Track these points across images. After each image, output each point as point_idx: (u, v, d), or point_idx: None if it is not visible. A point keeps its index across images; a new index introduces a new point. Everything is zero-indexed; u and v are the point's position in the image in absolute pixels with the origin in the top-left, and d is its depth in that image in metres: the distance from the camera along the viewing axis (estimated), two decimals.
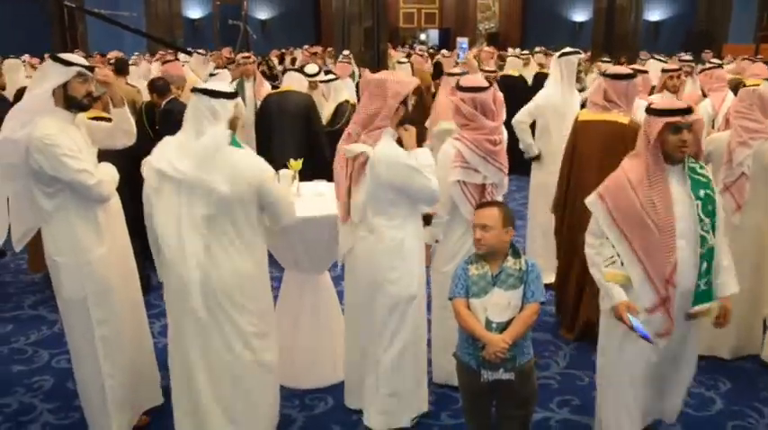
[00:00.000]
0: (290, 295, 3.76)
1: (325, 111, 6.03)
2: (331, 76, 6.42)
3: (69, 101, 3.01)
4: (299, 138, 5.30)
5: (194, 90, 2.79)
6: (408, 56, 12.04)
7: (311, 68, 6.37)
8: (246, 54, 7.90)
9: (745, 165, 3.68)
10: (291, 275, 3.77)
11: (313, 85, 6.08)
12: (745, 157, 3.68)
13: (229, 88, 2.85)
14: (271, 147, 5.34)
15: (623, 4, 13.29)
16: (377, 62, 10.84)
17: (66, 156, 2.88)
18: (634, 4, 13.45)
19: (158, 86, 5.55)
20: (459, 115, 3.46)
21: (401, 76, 3.33)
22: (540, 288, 2.68)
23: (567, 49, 5.23)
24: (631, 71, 4.29)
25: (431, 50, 17.58)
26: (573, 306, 4.43)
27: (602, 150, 4.02)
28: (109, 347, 3.12)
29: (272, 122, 5.44)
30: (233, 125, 2.80)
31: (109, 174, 3.10)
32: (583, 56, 11.40)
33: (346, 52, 9.98)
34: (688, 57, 10.16)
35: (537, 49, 12.32)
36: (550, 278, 4.81)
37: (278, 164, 4.77)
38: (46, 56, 2.99)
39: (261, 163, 2.87)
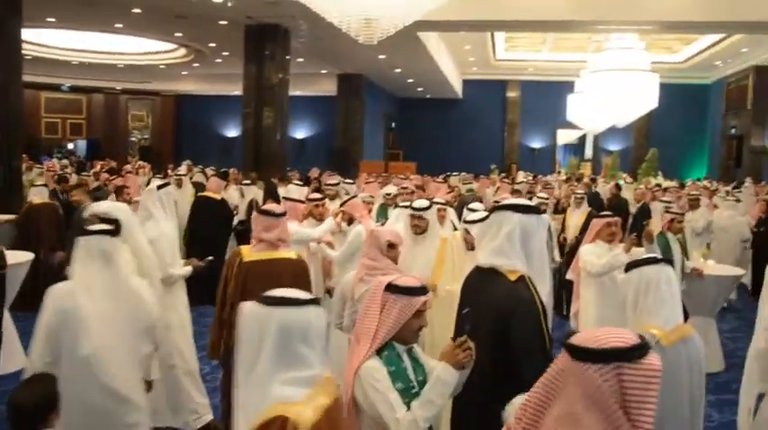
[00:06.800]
0: None
1: None
2: None
3: None
4: None
5: None
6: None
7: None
8: None
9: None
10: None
11: None
12: (361, 294, 3.76)
13: None
14: None
15: (269, 124, 14.08)
16: (7, 181, 9.65)
17: None
18: (279, 124, 14.35)
19: None
20: None
21: None
22: None
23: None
24: (282, 211, 4.32)
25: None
26: None
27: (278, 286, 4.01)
28: None
29: None
30: None
31: None
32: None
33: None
34: (333, 180, 9.92)
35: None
36: None
37: None
38: None
39: None
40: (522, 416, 1.68)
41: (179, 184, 10.01)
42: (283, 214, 4.29)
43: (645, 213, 9.76)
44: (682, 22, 13.55)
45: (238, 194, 10.33)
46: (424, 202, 5.37)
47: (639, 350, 1.52)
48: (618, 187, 13.18)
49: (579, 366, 1.52)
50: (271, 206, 4.58)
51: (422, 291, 2.58)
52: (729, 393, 5.80)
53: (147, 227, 4.79)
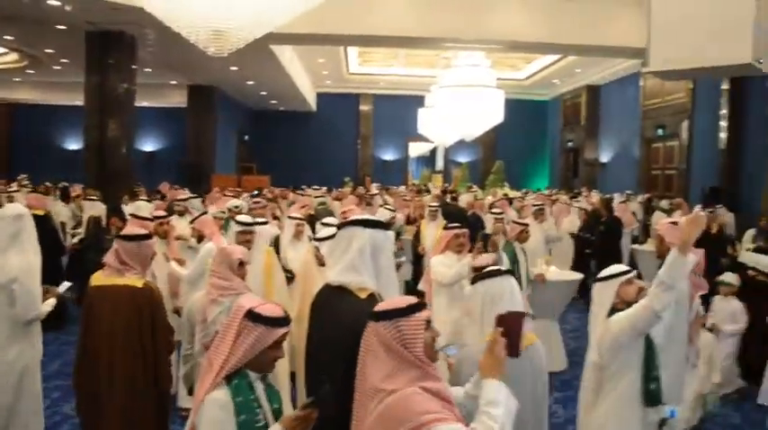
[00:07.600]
0: None
1: None
2: None
3: None
4: None
5: None
6: None
7: None
8: None
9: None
10: None
11: None
12: (215, 316, 3.64)
13: None
14: None
15: (114, 136, 13.33)
16: None
17: None
18: (125, 137, 13.64)
19: None
20: None
21: None
22: None
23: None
24: (145, 232, 3.99)
25: None
26: None
27: (115, 314, 3.72)
28: None
29: None
30: None
31: None
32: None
33: None
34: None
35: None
36: None
37: None
38: None
39: None
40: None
41: (10, 202, 9.23)
42: (143, 237, 3.90)
43: (477, 223, 10.13)
44: (523, 43, 14.39)
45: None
46: (248, 218, 5.34)
47: (411, 309, 2.26)
48: (454, 198, 13.74)
49: (375, 324, 2.28)
50: (130, 229, 4.21)
51: (283, 322, 2.46)
52: (572, 390, 6.15)
53: (8, 256, 4.18)
